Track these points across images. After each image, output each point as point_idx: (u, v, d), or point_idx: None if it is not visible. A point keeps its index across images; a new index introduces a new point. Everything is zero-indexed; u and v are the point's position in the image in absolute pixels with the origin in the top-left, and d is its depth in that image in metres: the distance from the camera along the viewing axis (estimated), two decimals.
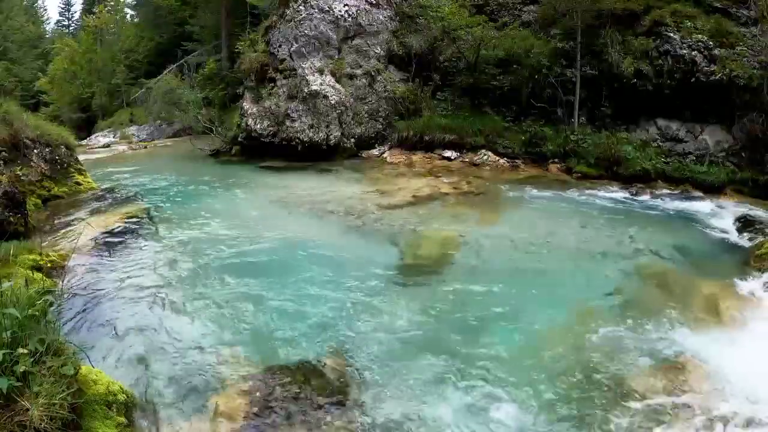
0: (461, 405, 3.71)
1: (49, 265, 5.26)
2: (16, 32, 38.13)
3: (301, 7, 14.41)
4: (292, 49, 14.20)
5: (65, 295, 4.67)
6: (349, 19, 14.53)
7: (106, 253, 5.90)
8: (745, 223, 8.06)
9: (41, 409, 2.49)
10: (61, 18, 55.14)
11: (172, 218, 7.59)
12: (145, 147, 19.63)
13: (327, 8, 14.38)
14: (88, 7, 45.91)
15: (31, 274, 4.63)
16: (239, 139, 14.88)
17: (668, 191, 10.43)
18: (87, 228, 6.37)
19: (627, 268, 6.28)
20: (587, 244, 7.13)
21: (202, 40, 26.30)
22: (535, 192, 10.19)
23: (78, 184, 8.66)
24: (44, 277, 4.82)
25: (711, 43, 11.63)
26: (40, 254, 5.31)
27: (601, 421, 3.62)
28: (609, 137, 12.14)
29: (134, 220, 7.21)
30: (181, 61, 23.99)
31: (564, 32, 13.41)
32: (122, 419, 3.13)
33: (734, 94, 11.21)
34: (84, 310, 4.64)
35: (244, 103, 14.68)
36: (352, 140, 13.90)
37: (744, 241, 7.44)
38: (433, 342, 4.47)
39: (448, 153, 12.94)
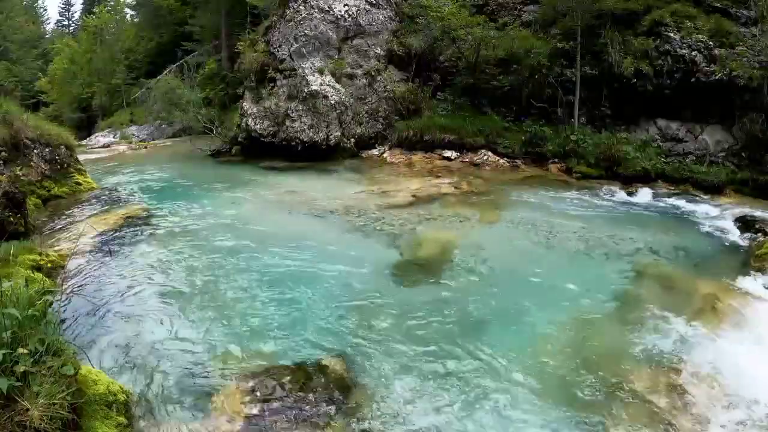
0: (460, 405, 3.71)
1: (49, 265, 5.26)
2: (16, 32, 38.10)
3: (301, 7, 14.41)
4: (292, 49, 14.20)
5: (65, 296, 4.67)
6: (349, 19, 14.54)
7: (106, 254, 5.90)
8: (745, 223, 8.06)
9: (41, 409, 2.49)
10: (61, 18, 55.27)
11: (172, 218, 7.59)
12: (145, 147, 19.62)
13: (327, 8, 14.39)
14: (88, 7, 45.97)
15: (31, 274, 4.62)
16: (239, 139, 14.88)
17: (668, 191, 10.44)
18: (87, 228, 6.37)
19: (627, 268, 6.28)
20: (587, 243, 7.13)
21: (202, 40, 26.30)
22: (535, 192, 10.19)
23: (78, 184, 8.66)
24: (44, 277, 4.81)
25: (711, 43, 11.64)
26: (40, 254, 5.31)
27: (600, 421, 3.62)
28: (609, 137, 12.16)
29: (134, 220, 7.21)
30: (181, 61, 23.98)
31: (564, 32, 13.42)
32: (122, 419, 3.13)
33: (734, 94, 11.22)
34: (84, 310, 4.63)
35: (244, 103, 14.68)
36: (352, 140, 13.90)
37: (744, 241, 7.45)
38: (433, 342, 4.47)
39: (448, 153, 12.95)
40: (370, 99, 14.41)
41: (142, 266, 5.66)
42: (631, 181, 10.94)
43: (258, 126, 13.99)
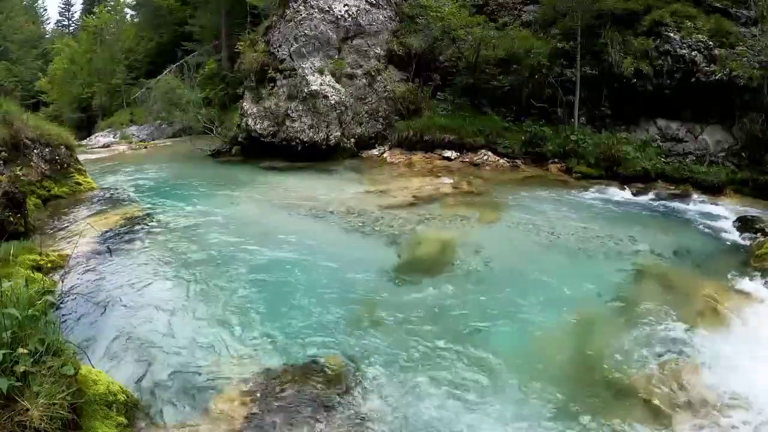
0: (460, 405, 3.71)
1: (49, 265, 5.26)
2: (16, 32, 38.10)
3: (301, 7, 14.41)
4: (292, 49, 14.20)
5: (65, 296, 4.67)
6: (349, 19, 14.54)
7: (106, 254, 5.90)
8: (745, 223, 8.05)
9: (41, 409, 2.49)
10: (61, 18, 55.28)
11: (172, 219, 7.59)
12: (145, 147, 19.63)
13: (327, 8, 14.39)
14: (88, 7, 45.98)
15: (31, 274, 4.62)
16: (239, 139, 14.89)
17: (668, 191, 10.43)
18: (87, 228, 6.37)
19: (627, 268, 6.28)
20: (587, 244, 7.13)
21: (202, 40, 26.30)
22: (534, 192, 10.19)
23: (78, 184, 8.66)
24: (44, 277, 4.81)
25: (711, 43, 11.64)
26: (40, 254, 5.31)
27: (600, 421, 3.62)
28: (609, 137, 12.16)
29: (134, 220, 7.21)
30: (181, 61, 23.98)
31: (564, 32, 13.42)
32: (122, 419, 3.13)
33: (734, 94, 11.22)
34: (84, 310, 4.64)
35: (244, 103, 14.69)
36: (352, 140, 13.90)
37: (744, 241, 7.44)
38: (433, 342, 4.47)
39: (448, 153, 12.95)
40: (370, 99, 14.41)
41: (142, 266, 5.66)
42: (631, 181, 10.94)
43: (258, 126, 13.99)
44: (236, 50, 17.86)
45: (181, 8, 28.62)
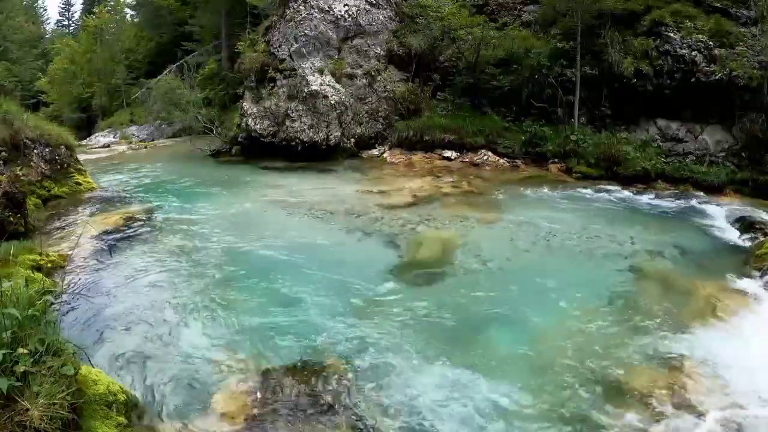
0: (461, 405, 3.71)
1: (49, 265, 5.26)
2: (16, 32, 38.04)
3: (301, 7, 14.41)
4: (292, 49, 14.20)
5: (65, 295, 4.67)
6: (349, 19, 14.54)
7: (106, 254, 5.90)
8: (745, 223, 8.05)
9: (41, 409, 2.49)
10: (61, 18, 55.25)
11: (172, 219, 7.59)
12: (145, 147, 19.62)
13: (327, 8, 14.39)
14: (88, 7, 45.98)
15: (31, 274, 4.62)
16: (239, 139, 14.89)
17: (668, 191, 10.43)
18: (87, 228, 6.38)
19: (627, 268, 6.28)
20: (587, 244, 7.13)
21: (202, 40, 26.28)
22: (535, 192, 10.19)
23: (78, 184, 8.67)
24: (44, 277, 4.81)
25: (711, 43, 11.64)
26: (40, 254, 5.31)
27: (600, 420, 3.62)
28: (609, 137, 12.16)
29: (134, 220, 7.21)
30: (181, 61, 23.94)
31: (564, 32, 13.42)
32: (122, 419, 3.13)
33: (734, 94, 11.21)
34: (84, 310, 4.64)
35: (244, 103, 14.69)
36: (352, 140, 13.90)
37: (744, 241, 7.44)
38: (433, 342, 4.47)
39: (448, 153, 12.95)
40: (370, 99, 14.41)
41: (142, 266, 5.67)
42: (631, 181, 10.93)
43: (258, 126, 13.99)
44: (236, 50, 17.85)
45: (181, 8, 28.56)
